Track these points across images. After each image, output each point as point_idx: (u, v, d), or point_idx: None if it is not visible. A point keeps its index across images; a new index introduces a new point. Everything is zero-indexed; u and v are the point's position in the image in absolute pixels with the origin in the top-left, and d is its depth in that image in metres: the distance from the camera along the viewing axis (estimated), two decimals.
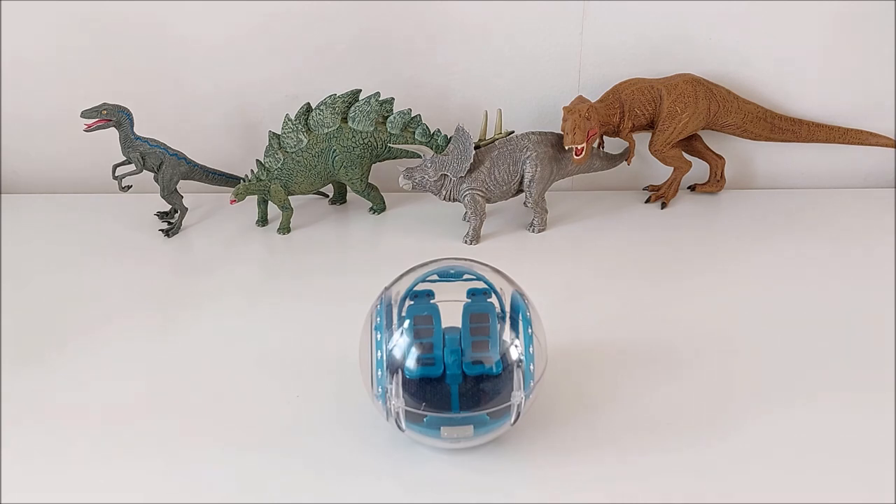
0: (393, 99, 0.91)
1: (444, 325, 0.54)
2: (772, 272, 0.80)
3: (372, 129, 0.90)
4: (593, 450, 0.56)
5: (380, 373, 0.53)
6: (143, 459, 0.56)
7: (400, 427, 0.53)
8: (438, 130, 0.92)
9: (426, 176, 0.87)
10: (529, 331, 0.54)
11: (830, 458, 0.54)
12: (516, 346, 0.54)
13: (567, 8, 0.93)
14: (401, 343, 0.53)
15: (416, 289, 0.55)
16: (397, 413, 0.52)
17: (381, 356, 0.53)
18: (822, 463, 0.54)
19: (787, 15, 0.93)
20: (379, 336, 0.54)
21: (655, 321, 0.71)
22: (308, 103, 0.89)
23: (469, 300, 0.55)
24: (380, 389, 0.53)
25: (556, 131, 0.88)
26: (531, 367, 0.53)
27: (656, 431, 0.57)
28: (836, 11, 0.92)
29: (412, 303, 0.55)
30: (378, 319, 0.54)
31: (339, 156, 0.90)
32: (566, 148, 0.86)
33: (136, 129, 0.88)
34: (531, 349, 0.54)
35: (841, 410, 0.58)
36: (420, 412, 0.52)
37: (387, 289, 0.56)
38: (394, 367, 0.53)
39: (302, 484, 0.54)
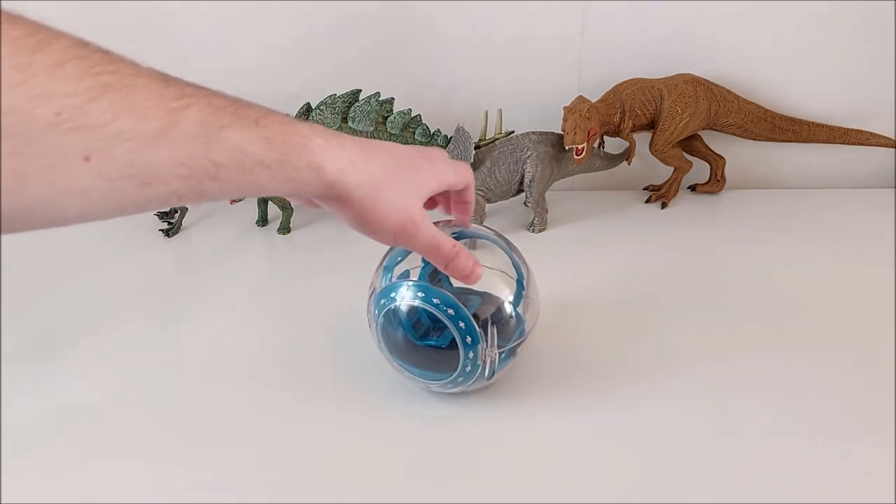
0: (393, 99, 0.91)
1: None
2: (772, 272, 0.80)
3: (372, 129, 0.90)
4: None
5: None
6: (141, 459, 0.56)
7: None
8: (438, 130, 0.92)
9: None
10: (524, 283, 0.58)
11: (831, 462, 0.54)
12: (510, 300, 0.58)
13: (567, 8, 0.93)
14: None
15: None
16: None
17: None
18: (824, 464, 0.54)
19: (788, 15, 0.93)
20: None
21: (655, 321, 0.71)
22: (308, 103, 0.89)
23: None
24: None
25: (557, 131, 0.88)
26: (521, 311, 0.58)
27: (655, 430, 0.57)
28: (837, 12, 0.92)
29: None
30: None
31: None
32: (566, 148, 0.86)
33: None
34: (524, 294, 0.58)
35: (841, 410, 0.58)
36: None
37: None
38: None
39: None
